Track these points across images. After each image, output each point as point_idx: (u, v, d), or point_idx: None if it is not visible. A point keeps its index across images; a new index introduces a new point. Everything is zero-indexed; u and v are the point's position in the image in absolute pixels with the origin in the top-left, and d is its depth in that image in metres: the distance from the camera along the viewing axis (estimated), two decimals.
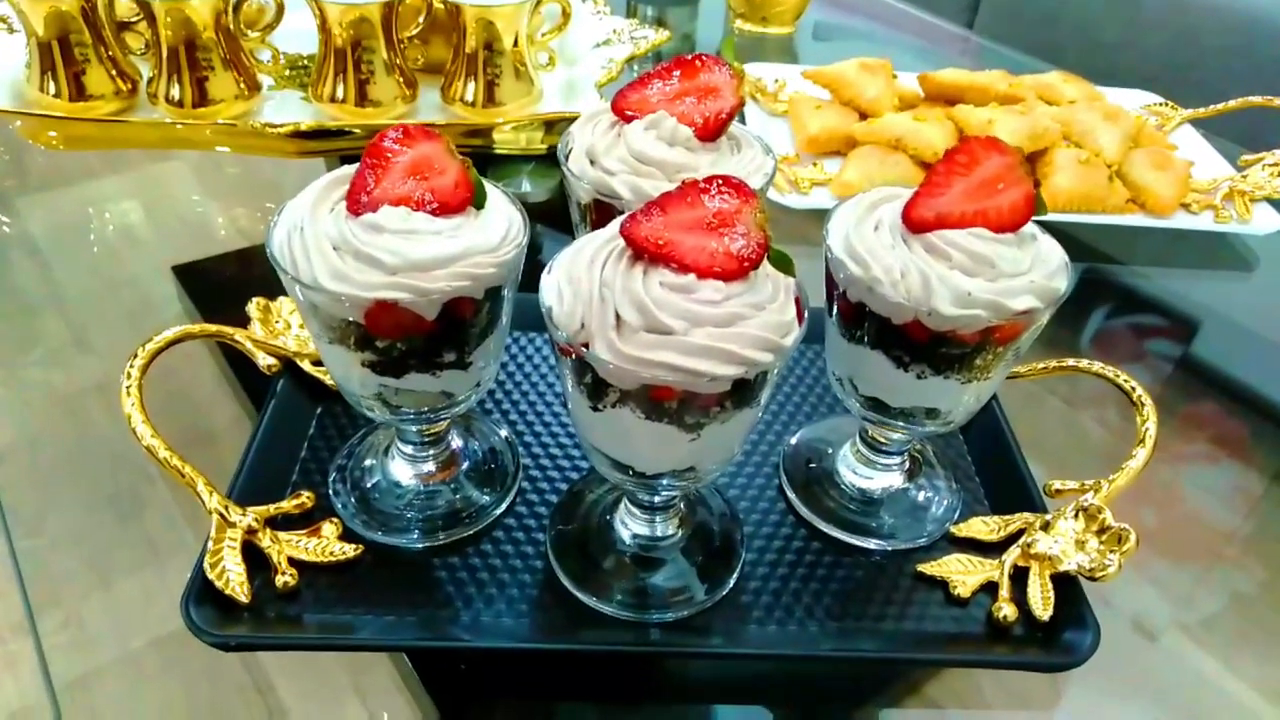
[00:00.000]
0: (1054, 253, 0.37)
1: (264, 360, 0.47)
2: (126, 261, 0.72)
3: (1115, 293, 0.69)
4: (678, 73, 0.41)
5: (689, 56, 0.41)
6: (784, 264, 0.32)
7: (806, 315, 0.33)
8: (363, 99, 0.68)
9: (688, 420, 0.32)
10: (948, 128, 0.71)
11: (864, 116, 0.75)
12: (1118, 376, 0.47)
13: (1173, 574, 0.49)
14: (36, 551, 0.46)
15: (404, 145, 0.35)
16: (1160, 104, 0.85)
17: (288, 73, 0.75)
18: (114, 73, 0.67)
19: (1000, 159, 0.36)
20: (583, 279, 0.32)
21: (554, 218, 0.70)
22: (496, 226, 0.35)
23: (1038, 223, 0.37)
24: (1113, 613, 0.44)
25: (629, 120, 0.40)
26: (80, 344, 0.63)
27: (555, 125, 0.70)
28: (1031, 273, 0.35)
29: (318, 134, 0.67)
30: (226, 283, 0.73)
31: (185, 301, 0.65)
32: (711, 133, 0.40)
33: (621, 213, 0.40)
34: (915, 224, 0.36)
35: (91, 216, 0.74)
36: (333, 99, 0.69)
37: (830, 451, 0.47)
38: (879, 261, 0.35)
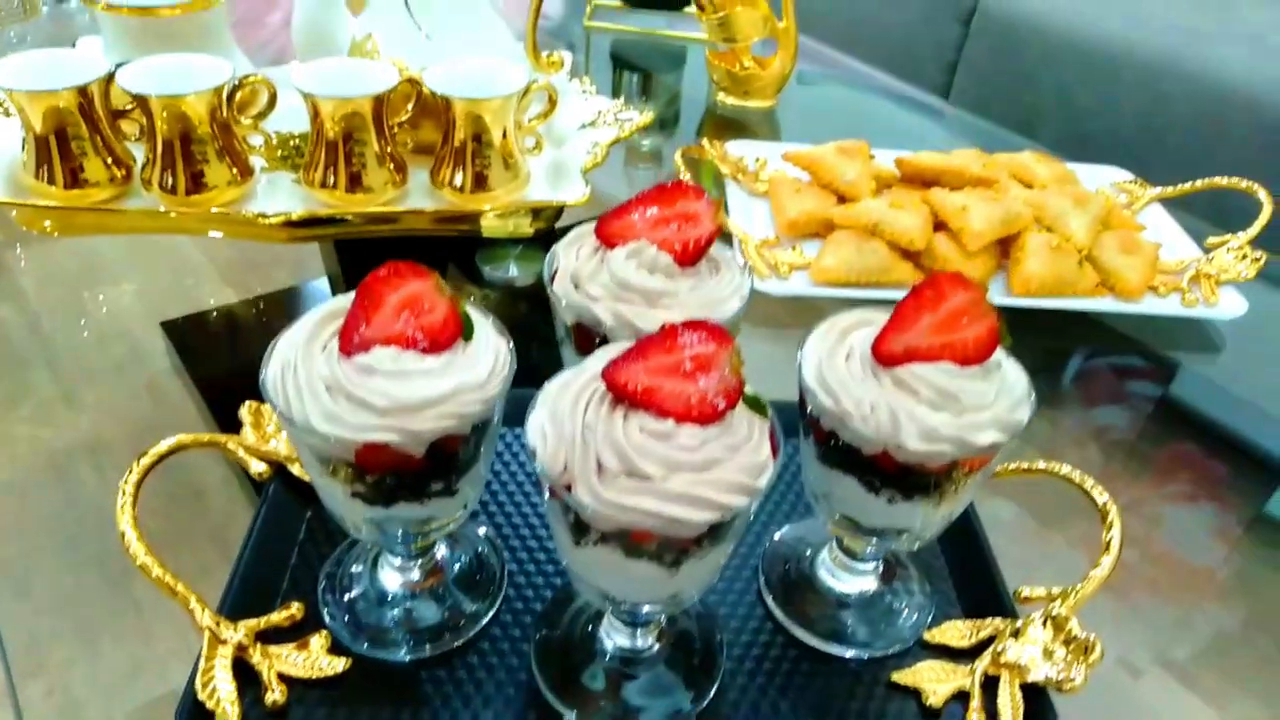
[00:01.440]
0: (1019, 381, 0.39)
1: (256, 467, 0.49)
2: (116, 315, 0.73)
3: (1083, 373, 0.71)
4: (659, 201, 0.42)
5: (670, 184, 0.43)
6: (758, 408, 0.34)
7: (781, 447, 0.35)
8: (354, 186, 0.70)
9: (667, 558, 0.34)
10: (923, 213, 0.73)
11: (842, 199, 0.77)
12: (1084, 482, 0.49)
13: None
14: (21, 615, 0.47)
15: (395, 284, 0.36)
16: (1130, 181, 0.88)
17: (280, 155, 0.77)
18: (109, 160, 0.69)
19: (965, 295, 0.38)
20: (566, 421, 0.33)
21: (540, 303, 0.72)
22: (484, 360, 0.37)
23: (1011, 310, 0.39)
24: None
25: (612, 246, 0.42)
26: (69, 400, 0.64)
27: (543, 211, 0.72)
28: (996, 405, 0.37)
29: (310, 221, 0.69)
30: (216, 338, 0.74)
31: (174, 357, 0.67)
32: (691, 259, 0.42)
33: (603, 336, 0.41)
34: (885, 358, 0.37)
35: (81, 270, 0.75)
36: (324, 185, 0.70)
37: (809, 554, 0.48)
38: (849, 394, 0.37)
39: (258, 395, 0.67)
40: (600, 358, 0.36)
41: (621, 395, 0.33)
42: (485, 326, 0.39)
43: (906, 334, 0.37)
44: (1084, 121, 1.28)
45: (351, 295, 0.37)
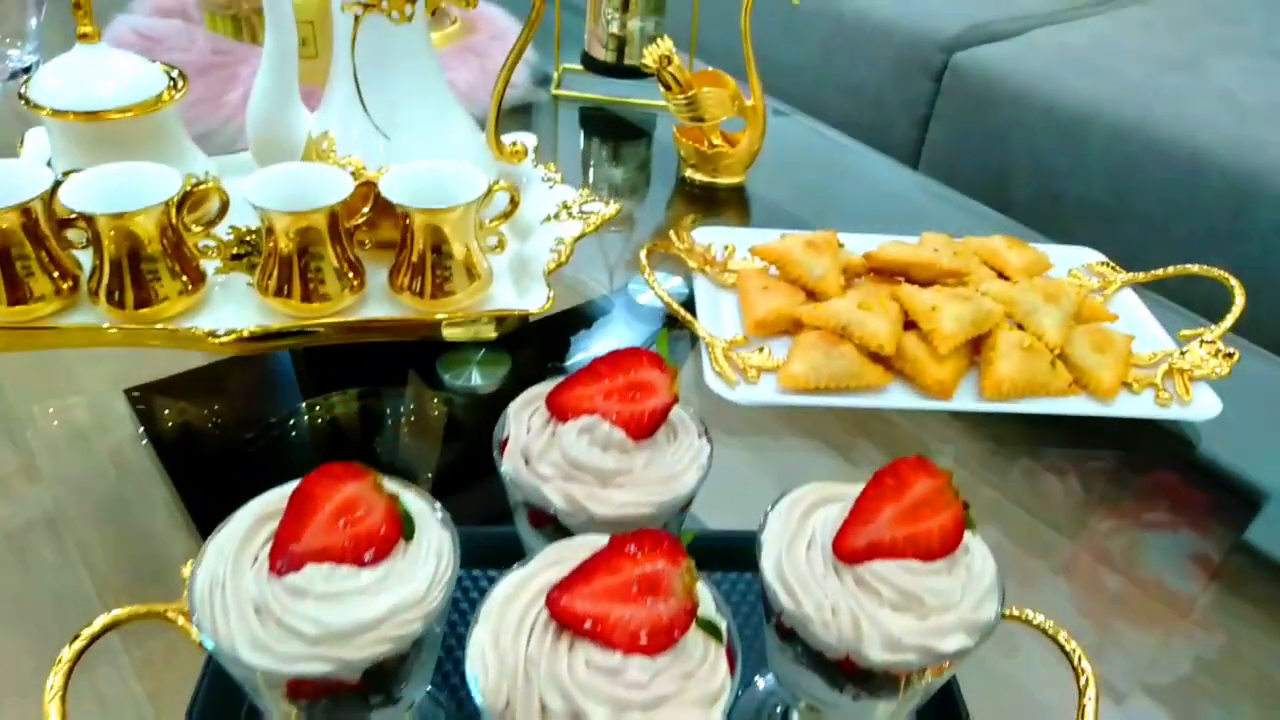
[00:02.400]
0: (985, 570, 0.37)
1: (196, 636, 0.46)
2: (78, 382, 0.71)
3: (1057, 475, 0.69)
4: (613, 370, 0.41)
5: (624, 351, 0.41)
6: (713, 632, 0.32)
7: (739, 661, 0.33)
8: (310, 296, 0.68)
9: None
10: (893, 313, 0.72)
11: (811, 294, 0.76)
12: (1058, 633, 0.47)
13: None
14: None
15: (330, 489, 0.34)
16: (1102, 263, 0.87)
17: (234, 254, 0.74)
18: (55, 274, 0.67)
19: (929, 481, 0.36)
20: (509, 650, 0.31)
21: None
22: (425, 566, 0.35)
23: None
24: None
25: (564, 419, 0.40)
26: (29, 472, 0.62)
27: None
28: (962, 603, 0.35)
29: (264, 336, 0.67)
30: (181, 405, 0.72)
31: (138, 425, 0.65)
32: (645, 431, 0.40)
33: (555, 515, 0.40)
34: (847, 555, 0.36)
35: None
36: (279, 294, 0.68)
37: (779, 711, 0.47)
38: (810, 595, 0.35)
39: (224, 466, 0.65)
40: (550, 558, 0.34)
41: (566, 626, 0.31)
42: (428, 521, 0.37)
43: (869, 527, 0.36)
44: (1055, 182, 1.28)
45: (290, 489, 0.36)
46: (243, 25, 1.12)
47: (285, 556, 0.33)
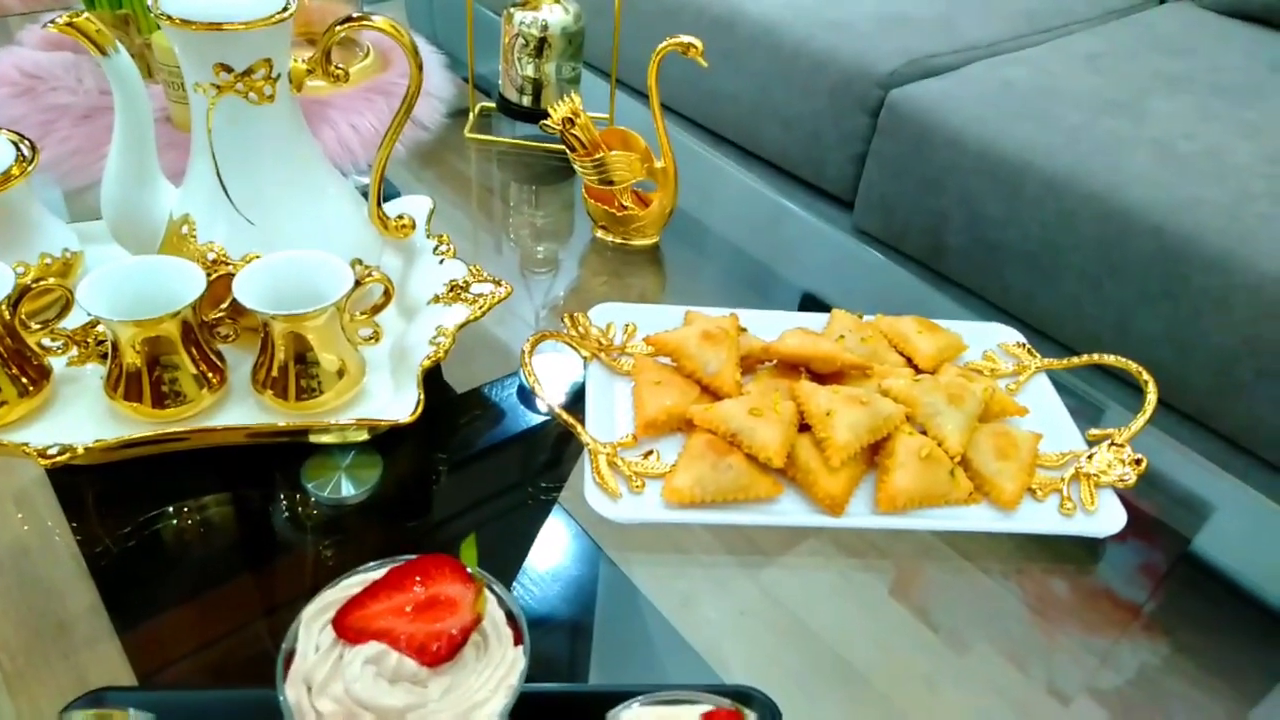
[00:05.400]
0: None
1: None
2: None
3: (947, 585, 0.66)
4: (411, 584, 0.37)
5: (426, 559, 0.37)
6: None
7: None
8: (162, 402, 0.63)
9: None
10: (787, 415, 0.68)
11: (706, 388, 0.72)
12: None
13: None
14: None
15: None
16: (1019, 345, 0.84)
17: (83, 343, 0.69)
18: None
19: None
20: None
21: (373, 524, 0.66)
22: None
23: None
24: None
25: (352, 643, 0.36)
26: None
27: None
28: None
29: (111, 447, 0.62)
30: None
31: None
32: (441, 659, 0.36)
33: None
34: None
35: None
36: (128, 399, 0.63)
37: None
38: None
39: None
40: None
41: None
42: None
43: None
44: (990, 230, 1.24)
45: None
46: (135, 60, 1.05)
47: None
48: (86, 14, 0.63)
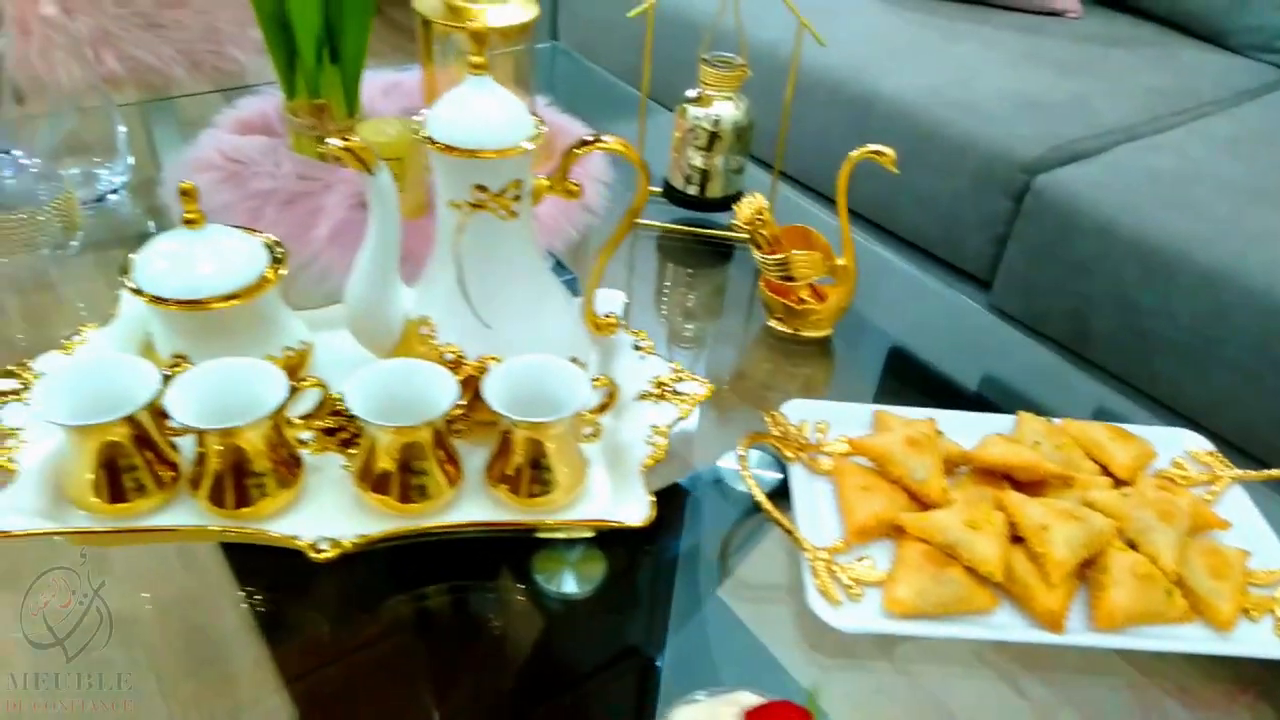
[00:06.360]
0: None
1: None
2: None
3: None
4: None
5: (774, 705, 0.40)
6: None
7: None
8: (409, 497, 0.67)
9: None
10: (1000, 528, 0.69)
11: (913, 494, 0.74)
12: None
13: None
14: None
15: None
16: (1209, 453, 0.84)
17: (324, 430, 0.73)
18: (158, 471, 0.66)
19: None
20: None
21: (589, 628, 0.68)
22: None
23: None
24: None
25: None
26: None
27: None
28: None
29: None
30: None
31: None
32: None
33: None
34: None
35: None
36: (376, 491, 0.67)
37: None
38: None
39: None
40: None
41: None
42: None
43: None
44: (1140, 319, 1.24)
45: None
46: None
47: None
48: (359, 137, 0.67)
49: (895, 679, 0.67)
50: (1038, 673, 0.67)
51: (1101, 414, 0.90)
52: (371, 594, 0.69)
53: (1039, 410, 0.84)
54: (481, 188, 0.67)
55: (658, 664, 0.66)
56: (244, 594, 0.67)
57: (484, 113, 0.66)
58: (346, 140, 0.66)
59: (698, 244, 1.13)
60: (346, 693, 0.62)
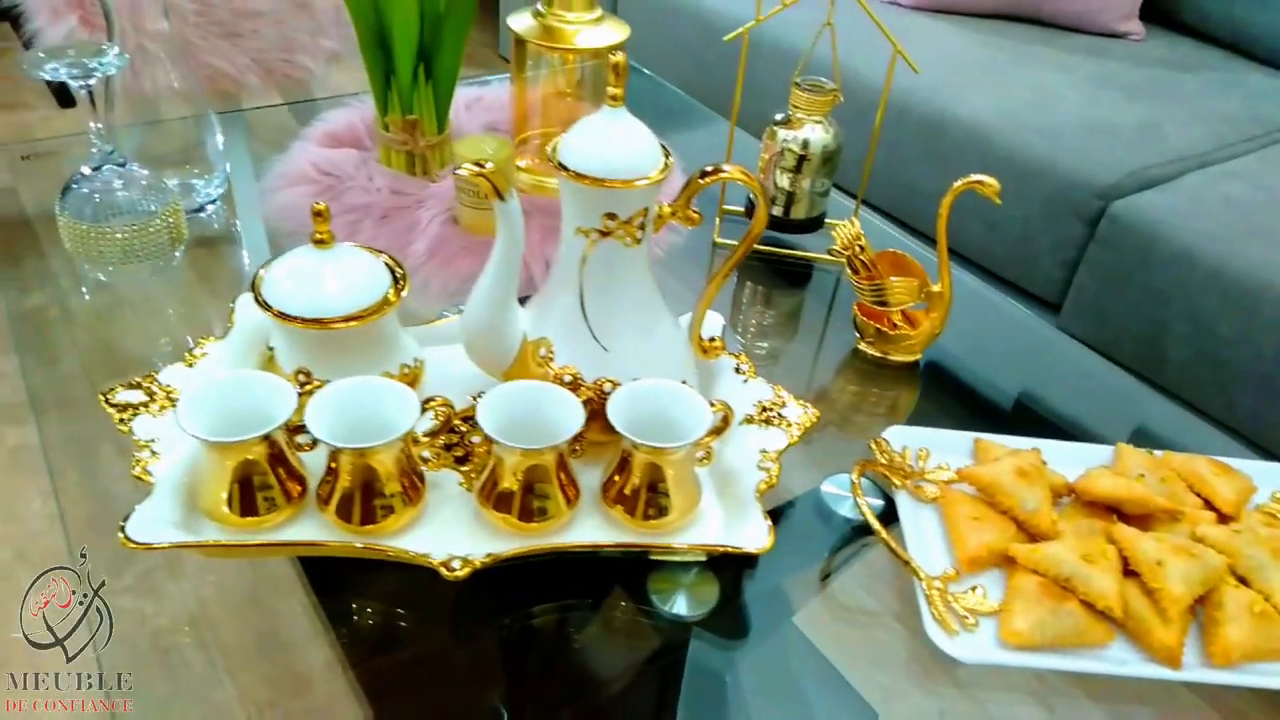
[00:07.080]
0: None
1: None
2: None
3: None
4: None
5: None
6: None
7: None
8: (530, 517, 0.68)
9: None
10: (1114, 562, 0.70)
11: (1022, 524, 0.75)
12: None
13: None
14: None
15: None
16: None
17: (442, 444, 0.75)
18: (288, 485, 0.67)
19: None
20: None
21: (706, 656, 0.69)
22: None
23: None
24: None
25: None
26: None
27: None
28: None
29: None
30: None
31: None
32: None
33: None
34: None
35: None
36: (499, 509, 0.68)
37: None
38: None
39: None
40: None
41: None
42: None
43: None
44: (1219, 348, 1.24)
45: None
46: (416, 161, 1.14)
47: None
48: (491, 164, 0.69)
49: (959, 703, 0.67)
50: (1103, 703, 0.68)
51: (1192, 447, 0.90)
52: (484, 610, 0.70)
53: (1134, 441, 0.84)
54: (611, 215, 0.68)
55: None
56: (356, 610, 0.68)
57: (618, 143, 0.67)
58: (480, 169, 0.67)
59: (777, 265, 1.14)
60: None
